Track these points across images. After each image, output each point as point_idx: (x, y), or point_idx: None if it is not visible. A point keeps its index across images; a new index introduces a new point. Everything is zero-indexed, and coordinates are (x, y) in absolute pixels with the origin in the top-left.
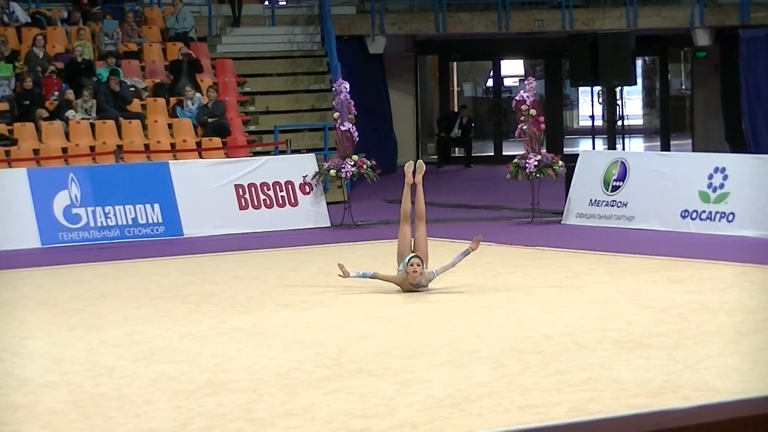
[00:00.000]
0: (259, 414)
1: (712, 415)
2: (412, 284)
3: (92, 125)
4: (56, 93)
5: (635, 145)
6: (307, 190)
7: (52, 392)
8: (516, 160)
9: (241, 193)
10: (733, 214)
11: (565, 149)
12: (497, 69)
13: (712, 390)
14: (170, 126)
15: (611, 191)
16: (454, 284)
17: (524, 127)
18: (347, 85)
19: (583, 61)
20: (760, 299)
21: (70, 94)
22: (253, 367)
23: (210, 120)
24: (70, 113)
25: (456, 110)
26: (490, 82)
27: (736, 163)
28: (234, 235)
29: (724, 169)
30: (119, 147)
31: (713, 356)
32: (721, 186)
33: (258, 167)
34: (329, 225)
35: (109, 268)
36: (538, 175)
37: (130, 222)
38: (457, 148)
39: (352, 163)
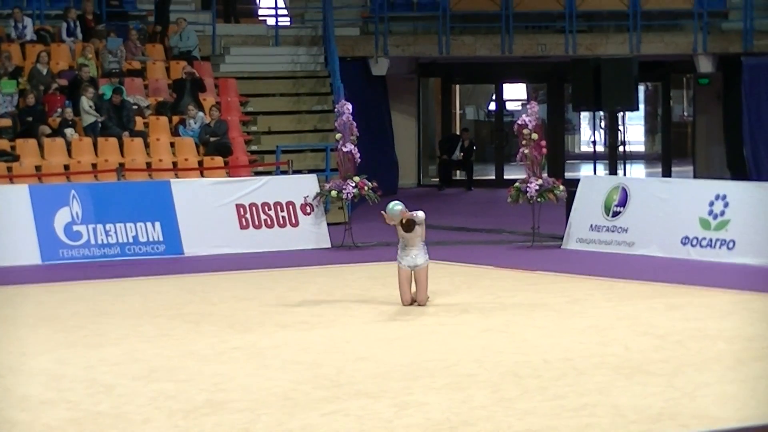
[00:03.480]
0: None
1: None
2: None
3: (94, 142)
4: (59, 110)
5: (636, 170)
6: (308, 211)
7: (51, 409)
8: (517, 183)
9: (242, 213)
10: (733, 241)
11: (566, 174)
12: (500, 92)
13: (711, 418)
14: (172, 144)
15: (612, 216)
16: (454, 307)
17: (526, 151)
18: (350, 106)
19: (585, 85)
20: (760, 327)
21: (69, 113)
22: (252, 387)
23: (212, 139)
24: (69, 131)
25: (458, 133)
26: (492, 106)
27: (737, 190)
28: (234, 254)
29: (725, 197)
30: (121, 165)
31: (712, 384)
32: (722, 213)
33: (259, 187)
34: (330, 246)
35: (109, 285)
36: (539, 200)
37: (131, 240)
38: (458, 171)
39: (354, 185)
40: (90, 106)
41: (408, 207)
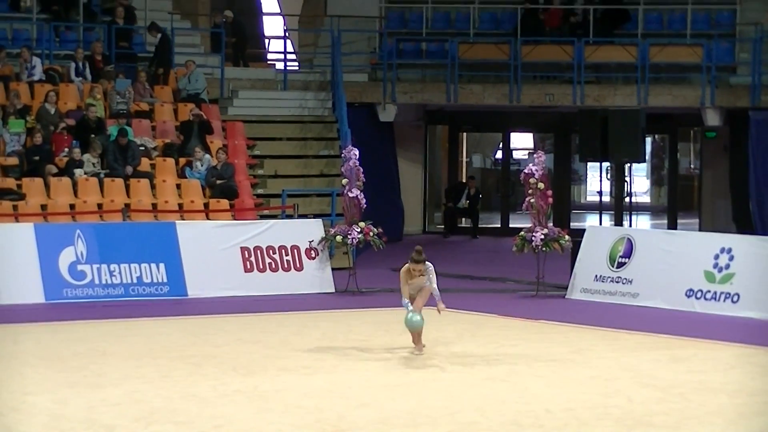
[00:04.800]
0: None
1: None
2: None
3: (101, 183)
4: (66, 149)
5: (642, 222)
6: (313, 255)
7: None
8: (522, 232)
9: (247, 256)
10: (738, 295)
11: (571, 224)
12: (507, 141)
13: None
14: (178, 186)
15: (617, 267)
16: (457, 355)
17: (532, 200)
18: (357, 152)
19: (592, 136)
20: (763, 381)
21: (77, 153)
22: (253, 431)
23: (218, 181)
24: (77, 172)
25: (464, 181)
26: (499, 154)
27: (742, 244)
28: (238, 297)
29: (730, 250)
30: (127, 205)
31: None
32: (727, 266)
33: (264, 230)
34: (334, 291)
35: (112, 326)
36: (544, 249)
37: (135, 281)
38: (464, 219)
39: (359, 230)
40: (94, 164)
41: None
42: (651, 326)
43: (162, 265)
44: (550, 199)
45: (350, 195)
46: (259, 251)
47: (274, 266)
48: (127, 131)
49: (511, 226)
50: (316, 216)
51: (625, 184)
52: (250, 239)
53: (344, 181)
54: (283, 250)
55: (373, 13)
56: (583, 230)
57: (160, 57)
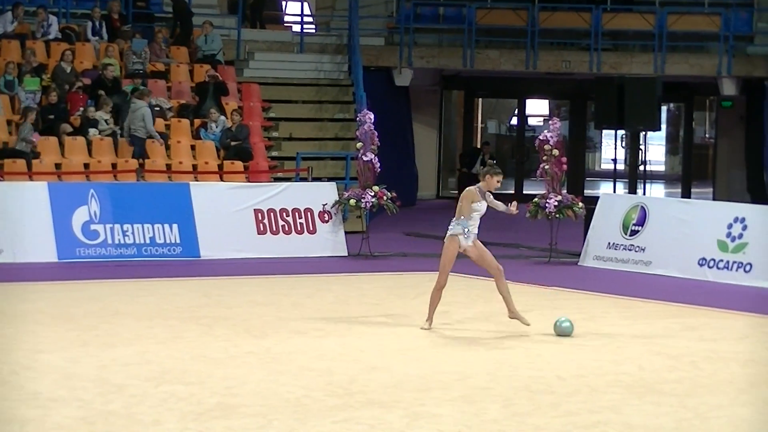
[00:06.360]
0: None
1: None
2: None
3: (115, 142)
4: (81, 109)
5: (656, 190)
6: (326, 219)
7: (62, 407)
8: (536, 199)
9: (260, 218)
10: (750, 264)
11: (585, 191)
12: (522, 108)
13: None
14: (193, 147)
15: (630, 235)
16: (469, 321)
17: (546, 167)
18: (372, 116)
19: (608, 104)
20: None
21: (92, 112)
22: (264, 393)
23: (233, 143)
24: (92, 132)
25: (479, 146)
26: (514, 120)
27: (756, 214)
28: (251, 259)
29: (743, 220)
30: (141, 166)
31: (725, 406)
32: (740, 236)
33: (278, 193)
34: (346, 254)
35: (124, 286)
36: (557, 216)
37: (148, 241)
38: None
39: (373, 194)
40: (106, 121)
41: (426, 219)
42: (663, 294)
43: (175, 226)
44: (565, 166)
45: (365, 159)
46: (272, 214)
47: (287, 229)
48: (142, 91)
49: (525, 192)
50: (330, 179)
51: (640, 152)
52: (264, 201)
53: (359, 144)
54: (296, 213)
55: None
56: (597, 198)
57: (182, 18)
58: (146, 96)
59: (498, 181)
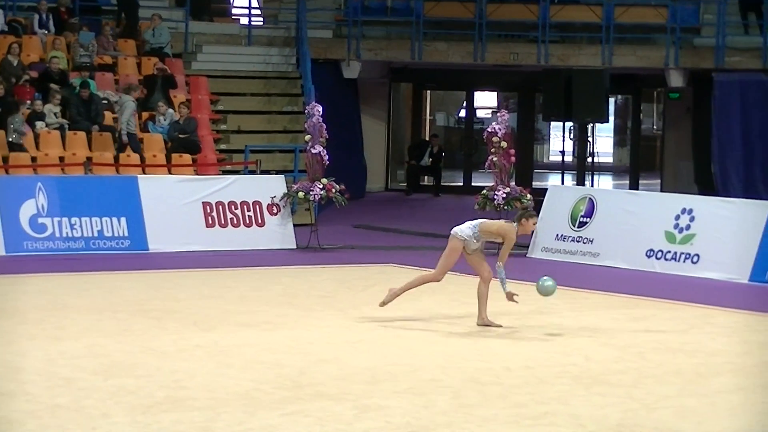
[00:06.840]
0: None
1: None
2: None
3: (63, 136)
4: (28, 102)
5: (604, 182)
6: (275, 211)
7: (9, 401)
8: (485, 191)
9: (209, 211)
10: (698, 255)
11: (534, 183)
12: (470, 100)
13: (669, 430)
14: (141, 140)
15: (578, 227)
16: (418, 313)
17: (494, 159)
18: (320, 108)
19: (556, 96)
20: (721, 342)
21: (39, 105)
22: (213, 386)
23: (181, 136)
24: (39, 125)
25: (427, 139)
26: (462, 113)
27: (703, 205)
28: (199, 252)
29: (691, 211)
30: (89, 159)
31: (672, 396)
32: (688, 227)
33: (227, 186)
34: (295, 247)
35: (72, 279)
36: (506, 208)
37: (96, 234)
38: (426, 177)
39: (321, 187)
40: (55, 114)
41: (375, 211)
42: (611, 286)
43: (123, 219)
44: (513, 158)
45: (313, 151)
46: (221, 206)
47: (235, 221)
48: (89, 84)
49: (473, 184)
50: (278, 172)
51: (588, 144)
52: (212, 194)
53: (307, 137)
54: (245, 206)
55: None
56: (546, 190)
57: (127, 10)
58: (134, 91)
59: (534, 224)
